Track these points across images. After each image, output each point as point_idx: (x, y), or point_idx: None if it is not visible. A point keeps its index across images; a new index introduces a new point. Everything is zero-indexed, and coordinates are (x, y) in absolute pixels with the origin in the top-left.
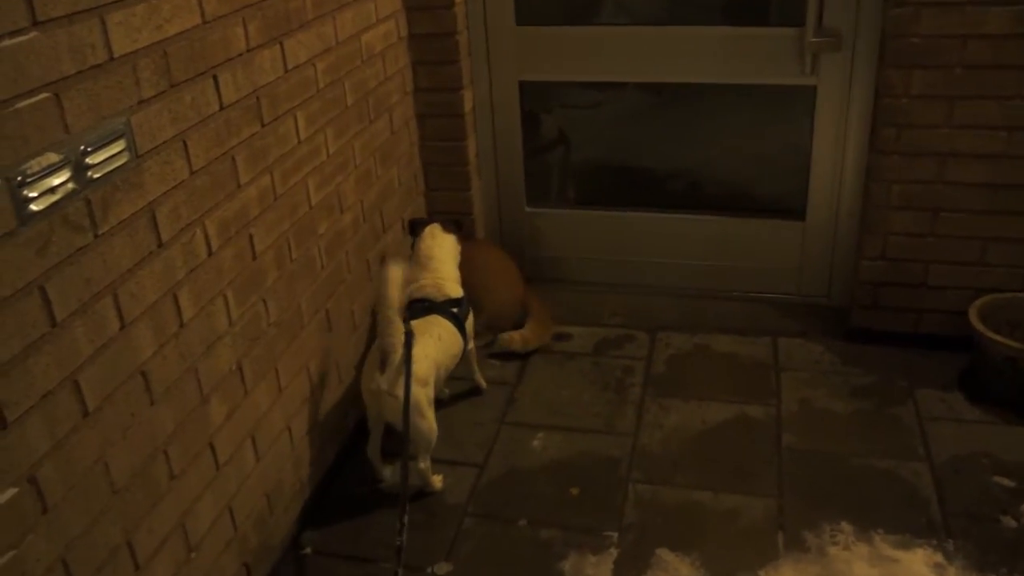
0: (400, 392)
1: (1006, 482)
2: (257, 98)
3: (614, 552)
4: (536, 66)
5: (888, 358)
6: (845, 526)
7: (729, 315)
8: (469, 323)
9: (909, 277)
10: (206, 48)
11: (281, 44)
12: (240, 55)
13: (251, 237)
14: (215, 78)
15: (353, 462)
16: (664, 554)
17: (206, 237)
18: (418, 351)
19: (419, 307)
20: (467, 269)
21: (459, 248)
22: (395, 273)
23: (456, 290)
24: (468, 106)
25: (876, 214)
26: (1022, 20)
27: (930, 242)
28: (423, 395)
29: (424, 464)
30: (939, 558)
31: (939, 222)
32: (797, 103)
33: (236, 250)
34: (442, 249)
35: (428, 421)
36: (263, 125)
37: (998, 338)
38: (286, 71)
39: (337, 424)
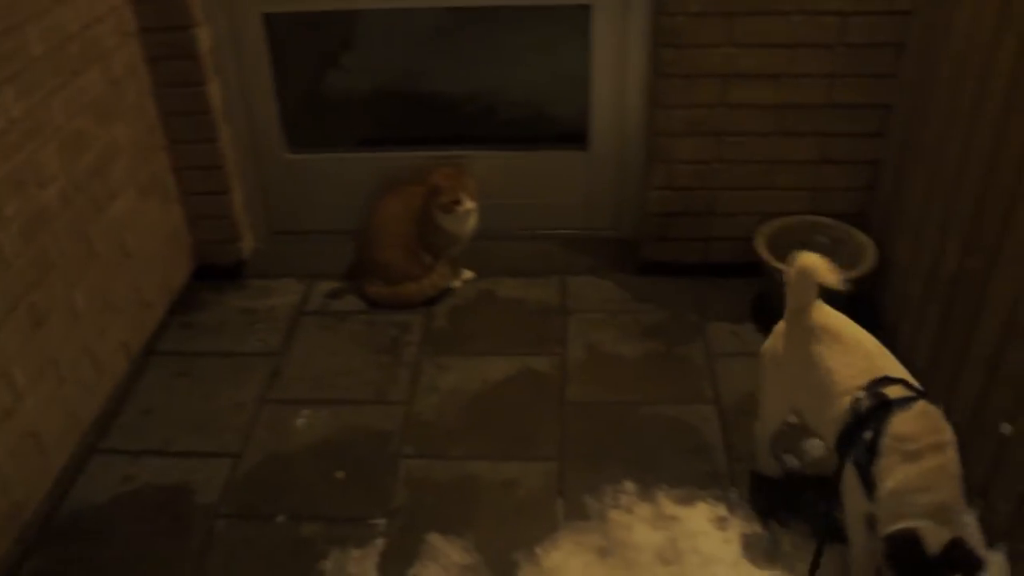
0: None
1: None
2: None
3: (380, 543)
4: None
5: (680, 291)
6: (628, 485)
7: (516, 256)
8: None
9: (697, 206)
10: None
11: None
12: None
13: None
14: None
15: (97, 462)
16: (434, 540)
17: None
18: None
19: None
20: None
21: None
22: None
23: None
24: (205, 46)
25: (661, 141)
26: None
27: (716, 168)
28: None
29: None
30: (722, 510)
31: (724, 147)
32: (579, 23)
33: None
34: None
35: None
36: None
37: (780, 265)
38: None
39: (66, 424)
